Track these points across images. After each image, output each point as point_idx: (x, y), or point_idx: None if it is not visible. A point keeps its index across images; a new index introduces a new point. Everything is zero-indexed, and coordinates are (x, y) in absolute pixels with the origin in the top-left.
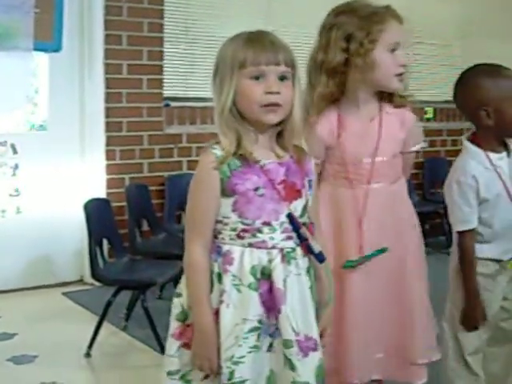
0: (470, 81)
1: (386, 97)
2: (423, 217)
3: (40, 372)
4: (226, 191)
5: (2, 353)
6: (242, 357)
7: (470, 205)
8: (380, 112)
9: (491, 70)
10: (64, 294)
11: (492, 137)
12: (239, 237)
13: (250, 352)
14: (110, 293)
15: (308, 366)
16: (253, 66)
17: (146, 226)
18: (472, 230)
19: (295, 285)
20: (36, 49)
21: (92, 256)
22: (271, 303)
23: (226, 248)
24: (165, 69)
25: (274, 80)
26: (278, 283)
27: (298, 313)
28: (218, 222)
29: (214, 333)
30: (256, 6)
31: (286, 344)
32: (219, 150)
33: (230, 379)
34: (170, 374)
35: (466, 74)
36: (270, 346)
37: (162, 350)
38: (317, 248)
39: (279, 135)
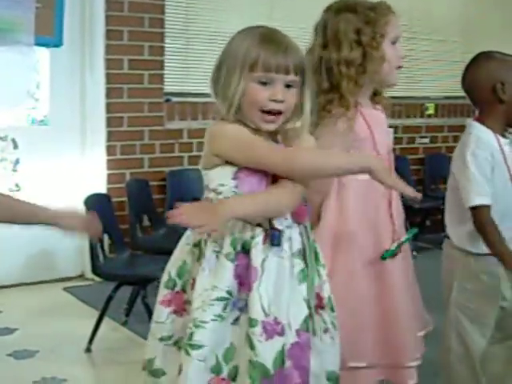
0: (483, 62)
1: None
2: (424, 213)
3: (41, 367)
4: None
5: (3, 348)
6: (204, 322)
7: (487, 179)
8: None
9: (501, 53)
10: (65, 289)
11: (502, 118)
12: None
13: (213, 319)
14: (110, 288)
15: (268, 348)
16: (262, 71)
17: (146, 222)
18: (488, 207)
19: (273, 267)
20: (37, 44)
21: (93, 251)
22: (246, 279)
23: None
24: (166, 64)
25: (280, 88)
26: (255, 262)
27: (272, 295)
28: (211, 190)
29: None
30: (258, 1)
31: (251, 322)
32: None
33: (189, 339)
34: (163, 339)
35: (476, 59)
36: (237, 319)
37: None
38: (277, 225)
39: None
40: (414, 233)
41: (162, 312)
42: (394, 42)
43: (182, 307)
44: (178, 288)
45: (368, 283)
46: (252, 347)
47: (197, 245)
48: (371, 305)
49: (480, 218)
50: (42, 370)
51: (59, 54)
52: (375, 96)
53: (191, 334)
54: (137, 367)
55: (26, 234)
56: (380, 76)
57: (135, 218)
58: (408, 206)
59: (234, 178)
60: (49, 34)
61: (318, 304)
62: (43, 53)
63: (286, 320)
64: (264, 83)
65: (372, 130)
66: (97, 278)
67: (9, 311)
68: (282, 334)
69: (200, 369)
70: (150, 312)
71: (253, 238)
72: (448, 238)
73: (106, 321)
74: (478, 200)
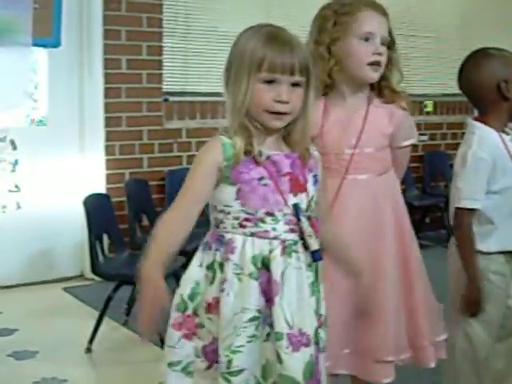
0: (484, 60)
1: (375, 90)
2: (423, 210)
3: (41, 367)
4: (230, 179)
5: (3, 348)
6: (241, 346)
7: (482, 183)
8: (368, 105)
9: (497, 49)
10: (64, 289)
11: (505, 115)
12: (241, 226)
13: (248, 341)
14: (110, 288)
15: (296, 361)
16: (268, 71)
17: (146, 221)
18: (474, 211)
19: (293, 278)
20: (35, 44)
21: (92, 251)
22: (270, 294)
23: (228, 237)
24: (164, 64)
25: (285, 88)
26: (276, 275)
27: (294, 306)
28: (220, 211)
29: (160, 285)
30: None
31: (276, 336)
32: (227, 138)
33: (228, 368)
34: (171, 365)
35: (474, 57)
36: (268, 335)
37: (163, 344)
38: (314, 245)
39: (286, 134)
40: None
41: (172, 335)
42: (366, 38)
43: (192, 331)
44: (189, 311)
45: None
46: (280, 361)
47: (209, 267)
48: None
49: (461, 220)
50: (42, 371)
51: (57, 55)
52: (384, 91)
53: (229, 362)
54: (137, 367)
55: (26, 234)
56: (348, 72)
57: (134, 217)
58: (407, 204)
59: (237, 199)
60: (46, 35)
61: (317, 323)
62: (41, 53)
63: (311, 330)
64: (269, 82)
65: (323, 128)
66: (96, 278)
67: (8, 312)
68: (308, 344)
69: None
70: None
71: (271, 251)
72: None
73: (106, 321)
74: (467, 203)
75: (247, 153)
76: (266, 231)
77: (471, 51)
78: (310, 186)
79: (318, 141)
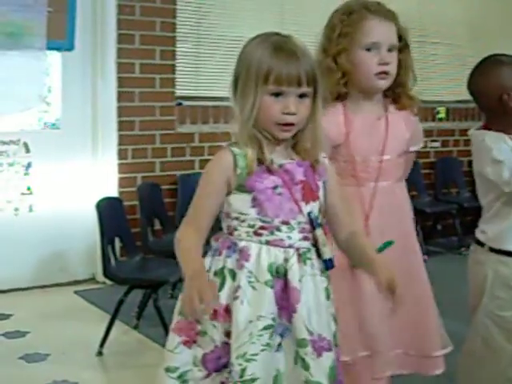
0: (492, 68)
1: (390, 96)
2: (435, 217)
3: (52, 370)
4: (245, 187)
5: (15, 351)
6: (255, 354)
7: None
8: (386, 112)
9: (509, 56)
10: (76, 292)
11: (508, 127)
12: (257, 234)
13: (262, 350)
14: (121, 291)
15: (321, 365)
16: (274, 84)
17: (158, 225)
18: None
19: (310, 285)
20: (49, 48)
21: (104, 254)
22: (284, 302)
23: (242, 244)
24: (177, 68)
25: (292, 100)
26: (294, 282)
27: (313, 313)
28: (234, 218)
29: (204, 273)
30: (269, 5)
31: (300, 343)
32: (238, 149)
33: (241, 376)
34: (168, 370)
35: (484, 64)
36: (279, 345)
37: None
38: (328, 254)
39: (295, 143)
40: (388, 244)
41: (172, 340)
42: (370, 48)
43: (192, 338)
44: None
45: (342, 291)
46: (306, 367)
47: (218, 273)
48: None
49: None
50: (53, 374)
51: (71, 58)
52: (399, 98)
53: (243, 370)
54: (148, 371)
55: (38, 237)
56: (357, 82)
57: (146, 221)
58: (419, 211)
59: (253, 206)
60: (60, 38)
61: None
62: (55, 57)
63: (329, 335)
64: (276, 95)
65: (349, 136)
66: (108, 282)
67: (20, 314)
68: (329, 349)
69: None
70: (161, 315)
71: (287, 260)
72: (478, 243)
73: (118, 324)
74: None
75: (259, 162)
76: (282, 240)
77: (483, 57)
78: (320, 193)
79: (343, 149)
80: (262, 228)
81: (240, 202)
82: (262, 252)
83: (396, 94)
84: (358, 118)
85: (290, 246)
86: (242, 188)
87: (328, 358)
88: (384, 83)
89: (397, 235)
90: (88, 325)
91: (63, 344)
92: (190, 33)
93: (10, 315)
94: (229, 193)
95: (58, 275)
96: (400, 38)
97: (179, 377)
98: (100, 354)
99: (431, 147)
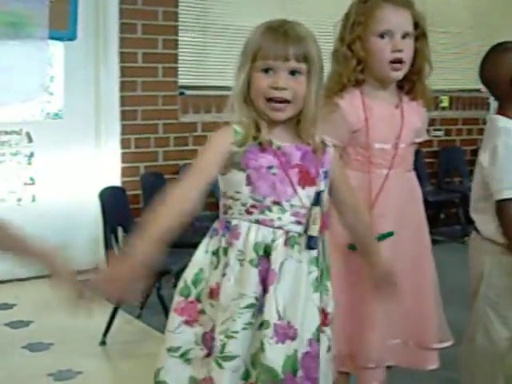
0: (501, 55)
1: (407, 85)
2: (438, 206)
3: (56, 359)
4: (240, 165)
5: (18, 340)
6: (236, 332)
7: None
8: (400, 100)
9: None
10: (79, 281)
11: None
12: (248, 212)
13: (243, 328)
14: None
15: (278, 352)
16: (262, 59)
17: None
18: None
19: (292, 270)
20: (51, 37)
21: (107, 244)
22: (267, 282)
23: (234, 222)
24: (180, 57)
25: (282, 75)
26: (274, 264)
27: (288, 299)
28: (229, 197)
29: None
30: None
31: (263, 324)
32: (239, 127)
33: (221, 352)
34: (170, 350)
35: (493, 51)
36: (261, 324)
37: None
38: (313, 232)
39: (297, 124)
40: (388, 235)
41: (174, 320)
42: (384, 35)
43: (194, 318)
44: (192, 297)
45: (339, 278)
46: (262, 350)
47: (215, 253)
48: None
49: (506, 211)
50: (57, 363)
51: (73, 48)
52: (412, 90)
53: (223, 346)
54: (152, 360)
55: (41, 227)
56: (372, 70)
57: (150, 210)
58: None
59: (247, 185)
60: (63, 28)
61: (323, 320)
62: (57, 46)
63: (300, 326)
64: (266, 71)
65: (368, 123)
66: None
67: (23, 304)
68: (294, 338)
69: (233, 379)
70: (164, 305)
71: (274, 240)
72: (476, 231)
73: (121, 314)
74: (507, 192)
75: (255, 138)
76: (272, 220)
77: (493, 45)
78: (319, 180)
79: (361, 134)
80: (253, 207)
81: (236, 181)
82: (251, 231)
83: (411, 83)
84: (376, 104)
85: (280, 228)
86: (237, 166)
87: (290, 347)
88: (398, 74)
89: (406, 223)
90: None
91: (67, 333)
92: (192, 22)
93: (14, 305)
94: (226, 171)
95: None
96: (416, 26)
97: (181, 356)
98: (103, 343)
99: (434, 136)
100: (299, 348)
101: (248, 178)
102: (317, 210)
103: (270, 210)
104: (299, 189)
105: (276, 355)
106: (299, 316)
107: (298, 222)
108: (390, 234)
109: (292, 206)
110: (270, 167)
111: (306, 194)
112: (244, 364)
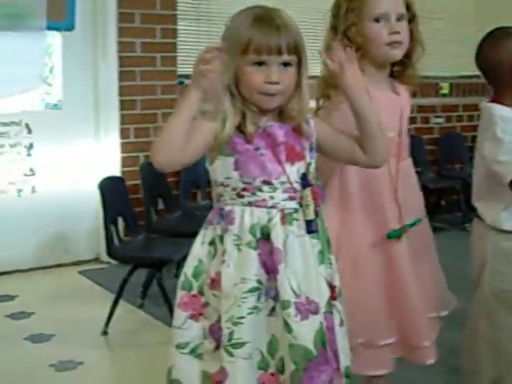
0: (502, 39)
1: (398, 68)
2: (439, 193)
3: (57, 350)
4: (227, 150)
5: (20, 332)
6: (241, 317)
7: None
8: (394, 88)
9: None
10: (80, 272)
11: None
12: (239, 196)
13: (249, 313)
14: (125, 271)
15: (306, 328)
16: (254, 53)
17: (161, 204)
18: None
19: (297, 246)
20: (49, 28)
21: (107, 234)
22: (272, 265)
23: (227, 208)
24: (178, 46)
25: (275, 69)
26: (277, 243)
27: (301, 275)
28: (220, 184)
29: None
30: None
31: (284, 305)
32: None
33: (229, 340)
34: (178, 347)
35: (493, 35)
36: (273, 309)
37: None
38: (310, 215)
39: (280, 111)
40: (417, 220)
41: (179, 316)
42: (379, 19)
43: (199, 311)
44: (194, 291)
45: (374, 269)
46: (289, 330)
47: (212, 243)
48: (378, 291)
49: None
50: (59, 354)
51: (71, 38)
52: (402, 74)
53: (231, 334)
54: (153, 349)
55: (41, 217)
56: (370, 54)
57: (149, 200)
58: (423, 187)
59: (236, 169)
60: (61, 18)
61: (331, 294)
62: (55, 37)
63: (319, 300)
64: (258, 64)
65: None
66: (112, 261)
67: (25, 295)
68: (316, 312)
69: (247, 367)
70: (165, 294)
71: (270, 220)
72: (478, 217)
73: (122, 304)
74: None
75: (241, 132)
76: (264, 200)
77: (490, 30)
78: (306, 153)
79: None
80: (244, 190)
81: (224, 167)
82: (245, 214)
83: (401, 65)
84: (378, 93)
85: (273, 207)
86: (224, 152)
87: (315, 321)
88: (397, 53)
89: (413, 213)
90: (92, 304)
91: (68, 324)
92: (190, 10)
93: (15, 296)
94: (214, 159)
95: (62, 256)
96: (407, 8)
97: (191, 351)
98: (105, 333)
99: (435, 123)
100: (323, 321)
101: (236, 162)
102: (306, 191)
103: (260, 190)
104: (288, 165)
105: (305, 332)
106: (314, 289)
107: (291, 198)
108: (419, 220)
109: (282, 183)
110: (257, 149)
111: (296, 170)
112: (259, 353)
